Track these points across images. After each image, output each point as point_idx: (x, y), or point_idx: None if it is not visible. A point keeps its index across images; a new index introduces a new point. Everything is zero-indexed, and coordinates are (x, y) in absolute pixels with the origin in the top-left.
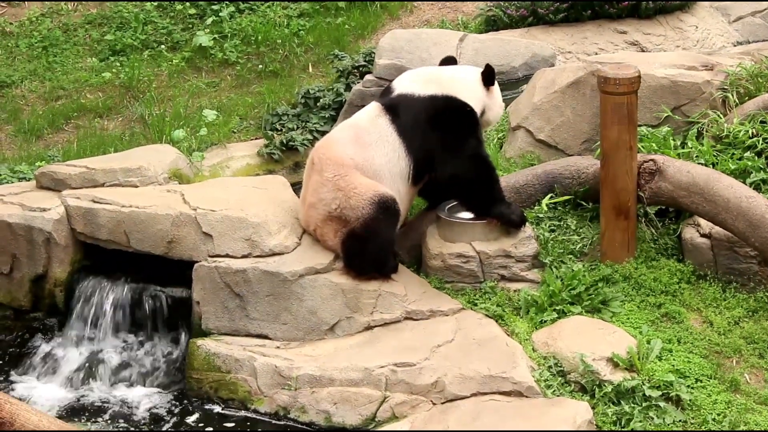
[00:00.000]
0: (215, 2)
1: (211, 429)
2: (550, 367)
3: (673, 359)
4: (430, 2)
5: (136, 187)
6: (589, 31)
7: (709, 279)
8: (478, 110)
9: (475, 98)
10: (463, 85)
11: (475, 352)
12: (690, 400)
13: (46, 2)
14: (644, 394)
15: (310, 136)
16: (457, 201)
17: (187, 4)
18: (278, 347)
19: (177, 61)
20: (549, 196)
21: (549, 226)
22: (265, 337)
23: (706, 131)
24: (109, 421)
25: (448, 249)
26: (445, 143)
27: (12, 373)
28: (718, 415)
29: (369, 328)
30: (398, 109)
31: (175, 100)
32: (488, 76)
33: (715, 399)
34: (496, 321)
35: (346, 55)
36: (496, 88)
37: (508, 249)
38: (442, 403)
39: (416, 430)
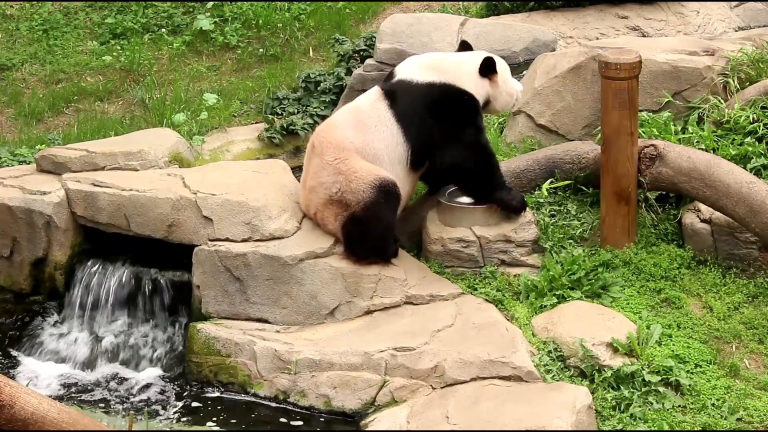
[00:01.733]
0: None
1: (210, 412)
2: (549, 352)
3: (673, 344)
4: None
5: (137, 170)
6: (591, 16)
7: (709, 264)
8: (480, 98)
9: (476, 86)
10: (464, 72)
11: (475, 336)
12: (689, 385)
13: None
14: (644, 379)
15: (310, 121)
16: (457, 187)
17: None
18: (278, 331)
19: (177, 45)
20: (549, 181)
21: (549, 211)
22: (265, 321)
23: (707, 116)
24: (108, 404)
25: (448, 234)
26: (443, 131)
27: (12, 356)
28: (718, 400)
29: (369, 312)
30: (396, 94)
31: (176, 84)
32: (484, 67)
33: (714, 384)
34: (496, 306)
35: (347, 40)
36: (503, 78)
37: (508, 234)
38: (442, 388)
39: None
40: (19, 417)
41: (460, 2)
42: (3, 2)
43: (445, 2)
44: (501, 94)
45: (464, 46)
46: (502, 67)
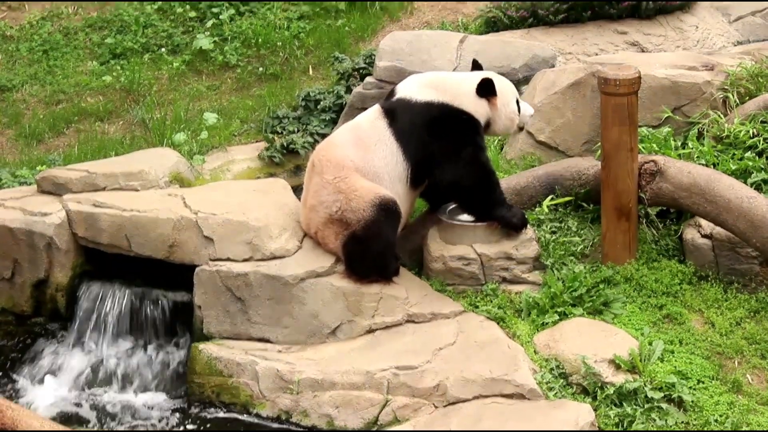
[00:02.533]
0: (216, 4)
1: None
2: (551, 369)
3: (675, 360)
4: (430, 3)
5: (137, 191)
6: (590, 32)
7: (710, 280)
8: (480, 118)
9: (476, 106)
10: (463, 92)
11: (477, 354)
12: (692, 401)
13: (47, 6)
14: (646, 396)
15: (310, 139)
16: (457, 205)
17: (188, 7)
18: (280, 351)
19: (177, 65)
20: (550, 197)
21: (550, 228)
22: (267, 340)
23: (707, 131)
24: (110, 426)
25: (449, 251)
26: (441, 150)
27: (14, 378)
28: (721, 416)
29: (370, 331)
30: (396, 113)
31: (176, 104)
32: (481, 88)
33: (717, 400)
34: (498, 323)
35: (347, 58)
36: (504, 101)
37: (509, 251)
38: (444, 407)
39: (419, 430)
40: None
41: (460, 19)
42: (3, 22)
43: (444, 19)
44: (500, 117)
45: (475, 66)
46: (505, 89)
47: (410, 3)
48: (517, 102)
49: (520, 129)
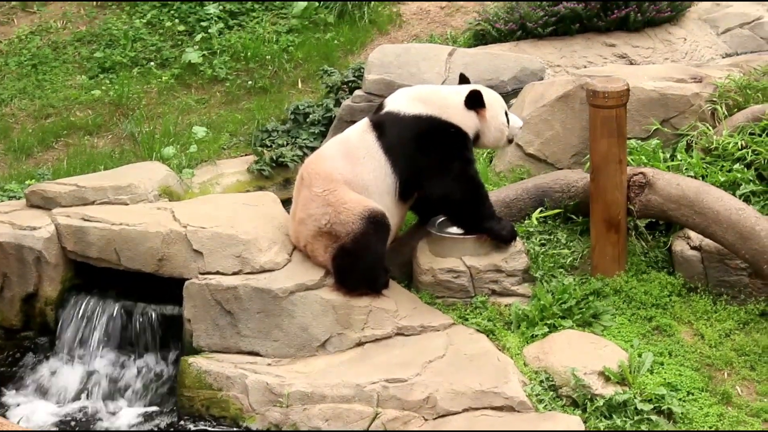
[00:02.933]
0: (204, 17)
1: None
2: (541, 381)
3: (665, 372)
4: (419, 16)
5: (127, 204)
6: (578, 45)
7: (699, 291)
8: (469, 131)
9: (464, 119)
10: (451, 105)
11: (467, 367)
12: (682, 413)
13: (35, 20)
14: (636, 408)
15: (300, 152)
16: (446, 218)
17: (176, 20)
18: (269, 364)
19: (166, 78)
20: (539, 210)
21: (539, 240)
22: (257, 354)
23: (696, 143)
24: None
25: (438, 264)
26: (430, 164)
27: (4, 392)
28: (710, 427)
29: (360, 344)
30: (385, 126)
31: (165, 117)
32: (470, 100)
33: (706, 412)
34: (488, 336)
35: (336, 71)
36: (492, 113)
37: (498, 263)
38: (434, 419)
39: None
40: None
41: (448, 32)
42: None
43: (433, 32)
44: (490, 129)
45: (463, 80)
46: (494, 101)
47: (399, 17)
48: (506, 114)
49: (510, 141)
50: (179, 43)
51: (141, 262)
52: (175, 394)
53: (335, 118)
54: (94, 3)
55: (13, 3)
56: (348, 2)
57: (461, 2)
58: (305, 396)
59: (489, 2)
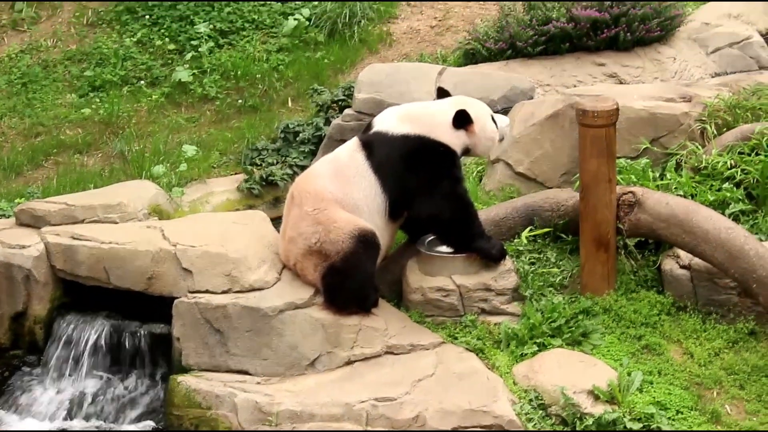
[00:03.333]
0: (195, 36)
1: None
2: (531, 400)
3: (654, 391)
4: (408, 36)
5: (116, 223)
6: (568, 64)
7: (689, 310)
8: (457, 148)
9: (452, 136)
10: (439, 123)
11: (456, 386)
12: None
13: (25, 39)
14: (625, 427)
15: (289, 171)
16: (436, 237)
17: (167, 39)
18: (259, 383)
19: (156, 97)
20: (528, 228)
21: (529, 259)
22: (246, 372)
23: (685, 163)
24: None
25: (428, 283)
26: (419, 183)
27: None
28: None
29: (350, 362)
30: (374, 146)
31: (155, 136)
32: (457, 121)
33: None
34: (477, 354)
35: (326, 90)
36: (480, 125)
37: (488, 282)
38: None
39: None
40: None
41: (438, 51)
42: None
43: (423, 51)
44: (480, 141)
45: (442, 93)
46: (480, 112)
47: (389, 36)
48: (492, 119)
49: (500, 140)
50: (169, 61)
51: (130, 281)
52: (164, 412)
53: (325, 137)
54: (84, 22)
55: (4, 22)
56: (339, 21)
57: (452, 22)
58: (294, 415)
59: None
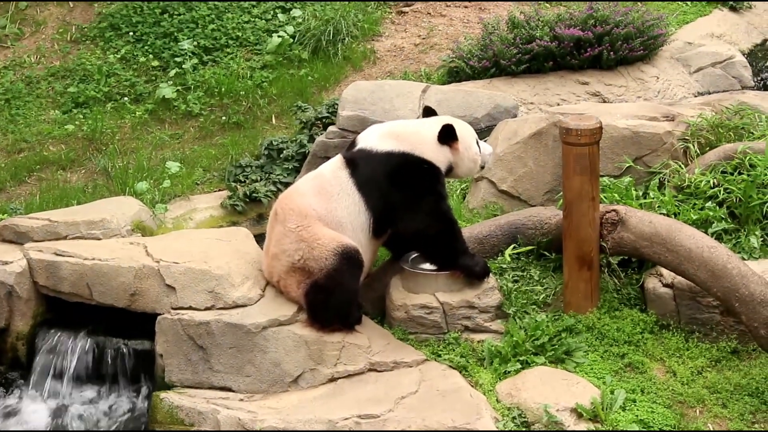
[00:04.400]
0: (178, 53)
1: None
2: (514, 418)
3: (637, 409)
4: (392, 53)
5: (99, 239)
6: (551, 82)
7: (672, 329)
8: (441, 165)
9: (436, 154)
10: (423, 140)
11: (439, 403)
12: None
13: (9, 55)
14: None
15: (273, 188)
16: (419, 254)
17: (150, 56)
18: (242, 399)
19: (140, 113)
20: (512, 246)
21: (512, 277)
22: (229, 389)
23: (668, 181)
24: None
25: (411, 300)
26: (403, 200)
27: None
28: None
29: (333, 379)
30: (358, 163)
31: (139, 152)
32: (443, 135)
33: None
34: (460, 372)
35: (310, 107)
36: (465, 145)
37: (471, 300)
38: None
39: None
40: None
41: (422, 69)
42: None
43: (407, 69)
44: (463, 161)
45: (428, 112)
46: (465, 132)
47: (373, 53)
48: (477, 143)
49: (482, 168)
50: (153, 78)
51: (113, 297)
52: (146, 429)
53: (309, 154)
54: (68, 39)
55: None
56: (323, 38)
57: (436, 40)
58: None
59: (472, 31)
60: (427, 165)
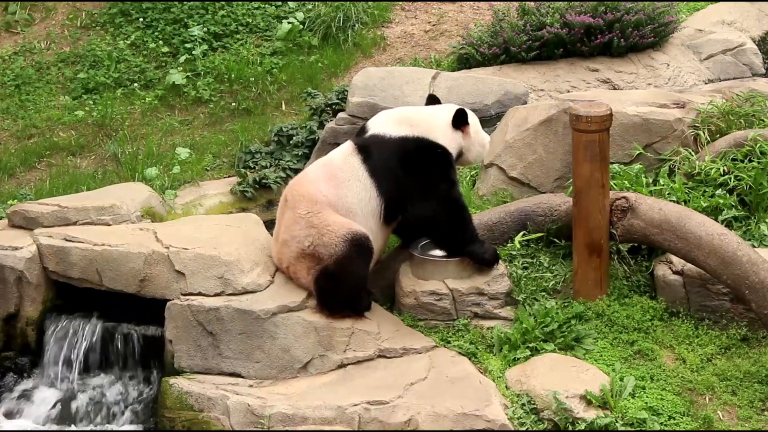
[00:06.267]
0: (189, 39)
1: None
2: (523, 404)
3: (646, 396)
4: (402, 39)
5: (109, 225)
6: (562, 69)
7: (681, 316)
8: (453, 151)
9: (449, 139)
10: (436, 125)
11: (449, 389)
12: None
13: (19, 41)
14: None
15: (283, 174)
16: (429, 241)
17: (161, 42)
18: (251, 385)
19: (150, 99)
20: (522, 233)
21: (522, 264)
22: (238, 375)
23: (678, 169)
24: None
25: (421, 287)
26: (415, 185)
27: None
28: None
29: (342, 366)
30: (370, 149)
31: (148, 138)
32: (457, 119)
33: None
34: (470, 358)
35: (319, 93)
36: (474, 129)
37: (481, 286)
38: None
39: None
40: None
41: (432, 55)
42: None
43: (417, 56)
44: (473, 145)
45: (432, 100)
46: (473, 118)
47: (383, 40)
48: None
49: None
50: (163, 64)
51: (123, 283)
52: (156, 415)
53: (319, 141)
54: (78, 25)
55: None
56: (333, 25)
57: (446, 27)
58: (286, 418)
59: (482, 18)
60: (441, 150)
